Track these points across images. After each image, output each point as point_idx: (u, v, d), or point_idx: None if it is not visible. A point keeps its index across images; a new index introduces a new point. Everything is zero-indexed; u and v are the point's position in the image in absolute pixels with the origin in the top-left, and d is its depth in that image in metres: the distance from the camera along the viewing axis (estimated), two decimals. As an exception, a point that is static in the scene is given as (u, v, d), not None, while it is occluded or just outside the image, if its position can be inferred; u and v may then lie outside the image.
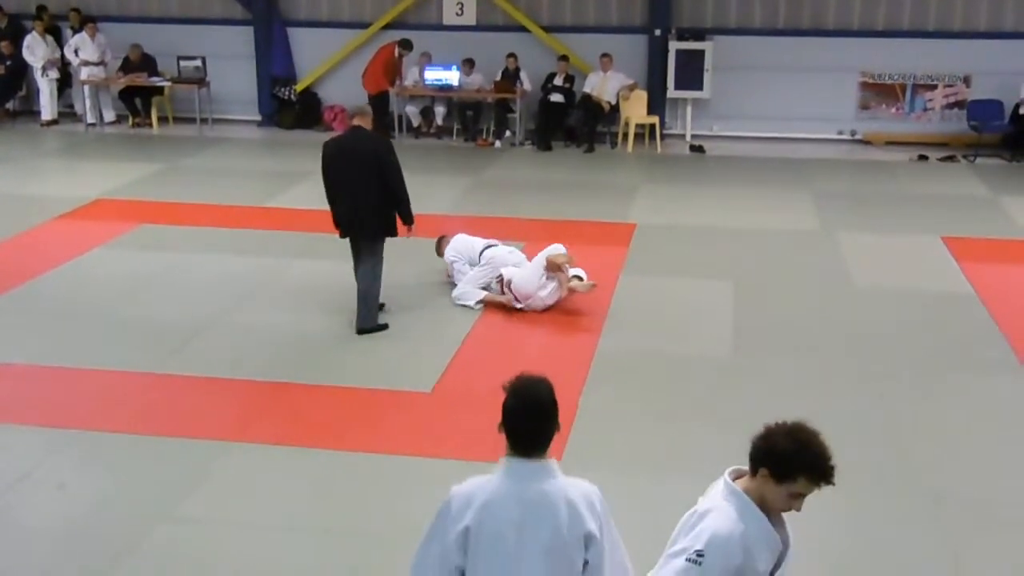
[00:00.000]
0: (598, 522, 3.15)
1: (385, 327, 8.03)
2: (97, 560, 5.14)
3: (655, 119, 14.98)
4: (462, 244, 9.01)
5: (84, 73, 15.90)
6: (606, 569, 3.16)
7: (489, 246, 8.95)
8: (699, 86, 15.00)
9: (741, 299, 8.77)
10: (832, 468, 3.11)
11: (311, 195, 8.14)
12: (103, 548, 5.24)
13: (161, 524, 5.46)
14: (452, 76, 15.30)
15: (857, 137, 15.27)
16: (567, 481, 3.19)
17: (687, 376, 7.28)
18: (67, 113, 16.70)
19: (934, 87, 15.03)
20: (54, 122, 16.27)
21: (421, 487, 5.73)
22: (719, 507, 3.16)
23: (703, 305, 8.71)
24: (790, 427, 3.16)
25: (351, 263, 8.18)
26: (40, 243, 10.33)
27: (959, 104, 14.95)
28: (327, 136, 8.66)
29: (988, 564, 5.22)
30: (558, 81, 15.05)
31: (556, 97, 15.01)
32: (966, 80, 14.89)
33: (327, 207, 8.08)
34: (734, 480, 3.23)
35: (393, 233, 8.04)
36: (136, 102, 16.21)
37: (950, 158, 14.32)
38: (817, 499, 5.72)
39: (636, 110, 14.98)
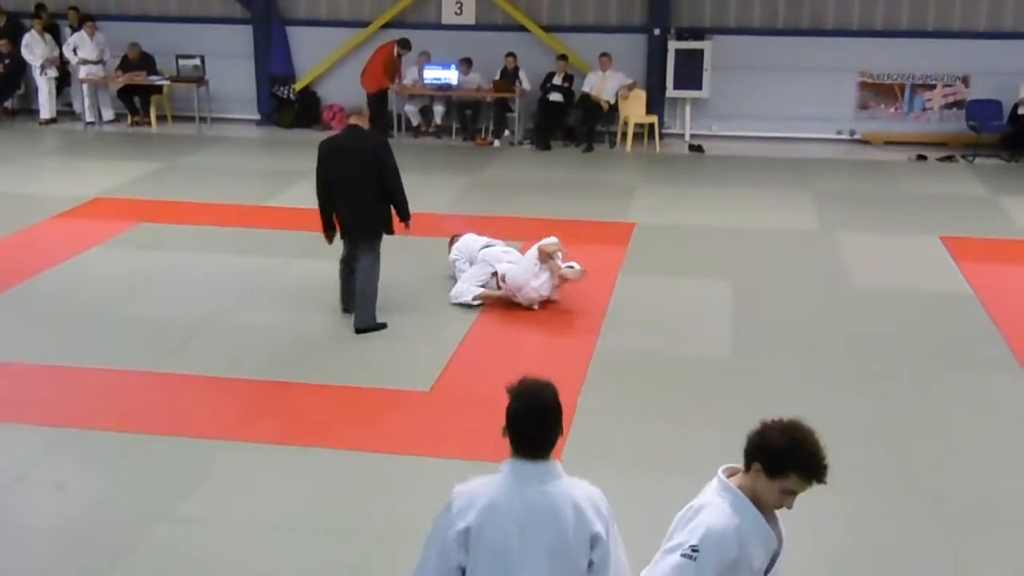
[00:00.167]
0: (604, 524, 3.15)
1: (384, 326, 8.03)
2: (96, 560, 5.13)
3: (654, 119, 14.98)
4: (465, 243, 9.03)
5: (83, 72, 15.89)
6: (611, 569, 3.16)
7: (487, 245, 8.95)
8: (698, 86, 15.00)
9: (740, 299, 8.77)
10: (825, 467, 3.12)
11: (310, 194, 8.14)
12: (102, 548, 5.23)
13: (160, 524, 5.45)
14: (451, 75, 15.30)
15: (856, 137, 15.28)
16: (571, 483, 3.19)
17: (686, 376, 7.28)
18: (66, 112, 16.68)
19: (933, 87, 15.04)
20: (53, 121, 16.25)
21: (420, 486, 5.74)
22: (713, 503, 3.18)
23: (702, 305, 8.71)
24: (786, 424, 3.18)
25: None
26: (39, 242, 10.33)
27: (958, 104, 14.96)
28: (326, 135, 8.65)
29: (988, 564, 5.22)
30: (557, 80, 15.04)
31: (555, 96, 15.01)
32: (965, 80, 14.90)
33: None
34: (728, 477, 3.25)
35: (391, 231, 8.04)
36: (135, 101, 16.20)
37: (949, 158, 14.33)
38: (817, 499, 5.72)
39: (635, 110, 14.98)
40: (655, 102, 15.17)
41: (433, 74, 15.33)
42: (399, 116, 15.66)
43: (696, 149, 14.88)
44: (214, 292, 8.93)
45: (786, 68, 14.95)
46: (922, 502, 5.75)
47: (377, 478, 5.95)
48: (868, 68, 15.05)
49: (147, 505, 5.62)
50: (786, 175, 13.40)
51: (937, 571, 5.15)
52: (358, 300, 8.01)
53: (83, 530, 5.41)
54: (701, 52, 14.87)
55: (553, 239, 8.41)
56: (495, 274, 8.57)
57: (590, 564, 3.14)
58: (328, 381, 7.18)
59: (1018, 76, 14.16)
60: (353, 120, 8.05)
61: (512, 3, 15.45)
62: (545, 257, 8.28)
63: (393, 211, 8.01)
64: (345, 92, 15.17)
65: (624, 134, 15.00)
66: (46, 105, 16.22)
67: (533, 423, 3.14)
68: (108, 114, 16.31)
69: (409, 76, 15.47)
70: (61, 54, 16.15)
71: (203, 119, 15.90)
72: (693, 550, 3.09)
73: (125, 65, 15.95)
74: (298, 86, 16.24)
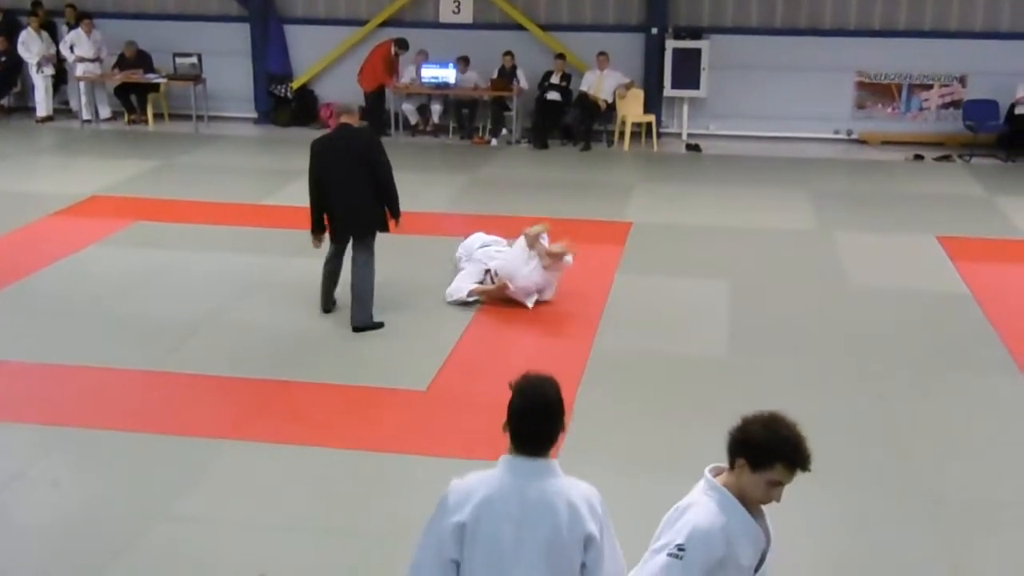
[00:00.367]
0: (598, 524, 3.14)
1: (381, 325, 8.03)
2: (94, 559, 5.13)
3: (651, 118, 14.99)
4: (469, 242, 9.04)
5: (79, 69, 15.87)
6: (604, 571, 3.15)
7: (485, 245, 8.96)
8: (695, 85, 15.01)
9: (737, 298, 8.78)
10: (808, 455, 3.13)
11: (306, 193, 8.13)
12: (100, 547, 5.22)
13: (158, 522, 5.44)
14: (448, 74, 15.29)
15: (853, 137, 15.29)
16: (568, 481, 3.18)
17: (683, 375, 7.28)
18: (62, 110, 16.66)
19: (930, 87, 15.05)
20: (49, 118, 16.22)
21: (417, 485, 5.73)
22: (699, 501, 3.19)
23: (699, 304, 8.71)
24: (766, 417, 3.19)
25: (347, 262, 8.16)
26: (35, 240, 10.31)
27: (955, 104, 14.98)
28: (323, 134, 8.64)
29: (987, 564, 5.23)
30: (555, 79, 15.05)
31: (553, 95, 15.01)
32: (962, 80, 14.91)
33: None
34: (715, 477, 3.25)
35: (385, 228, 8.04)
36: (132, 99, 16.19)
37: (946, 158, 14.34)
38: (815, 499, 5.73)
39: (632, 109, 14.99)
40: (652, 101, 15.18)
41: (431, 73, 15.33)
42: (396, 115, 15.65)
43: (693, 148, 14.88)
44: (211, 291, 8.92)
45: (783, 68, 14.96)
46: (920, 502, 5.75)
47: (374, 477, 5.94)
48: (865, 68, 15.07)
49: (145, 504, 5.61)
50: (783, 175, 13.41)
51: (936, 571, 5.15)
52: (356, 298, 8.00)
53: (80, 529, 5.40)
54: (699, 51, 14.88)
55: (538, 225, 8.49)
56: (488, 271, 8.57)
57: (583, 567, 3.13)
58: (325, 380, 7.17)
59: (1015, 76, 14.18)
60: (344, 119, 8.07)
61: (510, 2, 15.45)
62: (532, 242, 8.33)
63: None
64: (343, 91, 15.15)
65: (622, 133, 15.00)
66: (43, 103, 16.20)
67: (535, 419, 3.14)
68: (105, 112, 16.29)
69: (407, 75, 15.47)
70: (58, 52, 16.14)
71: (200, 117, 15.88)
72: (680, 549, 3.10)
73: (122, 63, 15.94)
74: (295, 84, 16.23)
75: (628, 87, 14.96)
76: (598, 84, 14.82)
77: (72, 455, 6.16)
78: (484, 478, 3.16)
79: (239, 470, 6.01)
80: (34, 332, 8.02)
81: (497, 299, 8.48)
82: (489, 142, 15.25)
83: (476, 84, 15.33)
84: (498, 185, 12.85)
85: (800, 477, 5.78)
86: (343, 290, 8.24)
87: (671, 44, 14.94)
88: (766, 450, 3.11)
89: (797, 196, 12.24)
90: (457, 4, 15.67)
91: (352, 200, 7.83)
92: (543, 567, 3.09)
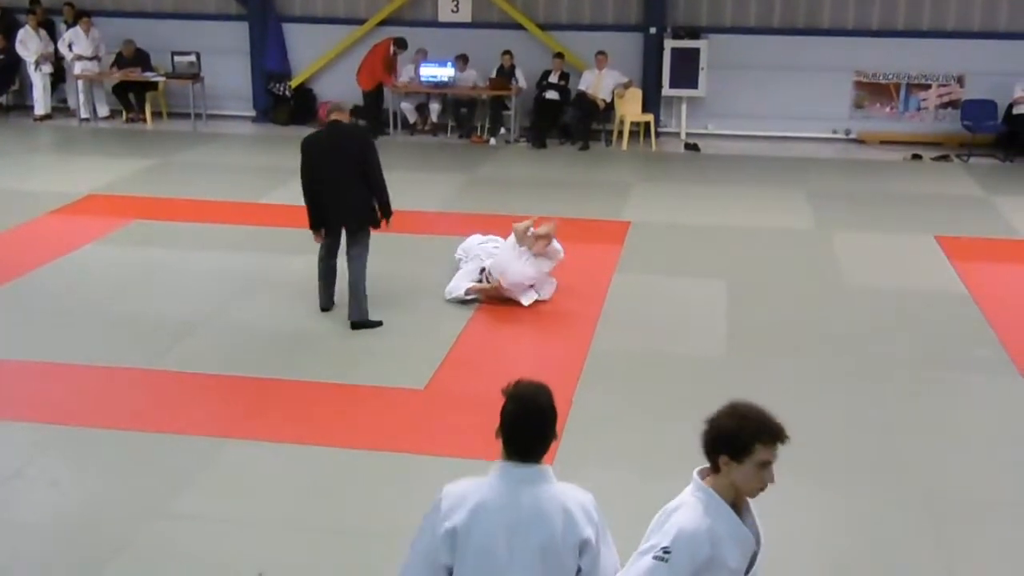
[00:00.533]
0: (594, 529, 3.13)
1: (379, 324, 8.03)
2: (92, 557, 5.13)
3: (650, 117, 14.99)
4: (468, 243, 9.03)
5: (78, 68, 15.85)
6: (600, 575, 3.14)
7: (482, 243, 8.98)
8: (694, 84, 15.00)
9: (735, 298, 8.78)
10: (780, 425, 3.13)
11: (303, 191, 8.13)
12: (98, 545, 5.23)
13: (156, 521, 5.45)
14: (447, 73, 15.28)
15: (851, 136, 15.30)
16: (562, 487, 3.17)
17: (681, 375, 7.28)
18: (60, 108, 16.65)
19: (928, 87, 15.06)
20: (47, 117, 16.21)
21: (414, 484, 5.74)
22: (686, 503, 3.18)
23: (697, 304, 8.71)
24: (726, 409, 3.20)
25: (344, 261, 8.17)
26: (33, 238, 10.30)
27: (953, 104, 14.98)
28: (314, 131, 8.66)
29: (983, 564, 5.23)
30: (553, 79, 15.05)
31: (551, 95, 15.01)
32: (960, 80, 14.92)
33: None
34: (703, 479, 3.24)
35: (376, 223, 8.07)
36: (130, 97, 16.17)
37: (944, 158, 14.35)
38: (812, 498, 5.74)
39: (631, 108, 14.99)
40: (651, 101, 15.18)
41: (429, 72, 15.32)
42: (395, 114, 15.65)
43: (692, 148, 14.88)
44: (209, 289, 8.92)
45: (782, 67, 14.96)
46: (917, 501, 5.76)
47: (372, 476, 5.94)
48: (864, 67, 15.07)
49: (143, 502, 5.62)
50: (781, 174, 13.41)
51: (932, 570, 5.16)
52: (354, 293, 8.02)
53: (78, 527, 5.40)
54: (697, 51, 14.88)
55: (525, 221, 8.56)
56: (484, 270, 8.58)
57: (578, 571, 3.12)
58: (323, 379, 7.18)
59: (1013, 76, 14.18)
60: (335, 116, 8.11)
61: (508, 1, 15.44)
62: (520, 237, 8.37)
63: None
64: (341, 89, 15.14)
65: (620, 132, 15.00)
66: (41, 101, 16.18)
67: (527, 426, 3.13)
68: (103, 110, 16.26)
69: (405, 74, 15.46)
70: (56, 50, 16.12)
71: (198, 116, 15.87)
72: (665, 552, 3.09)
73: (120, 61, 15.92)
74: (294, 83, 16.21)
75: (626, 86, 14.96)
76: (596, 83, 14.83)
77: (70, 454, 6.16)
78: (477, 484, 3.15)
79: (237, 469, 6.01)
80: (31, 331, 8.02)
81: (495, 298, 8.49)
82: (487, 141, 15.25)
83: (475, 83, 15.33)
84: (496, 184, 12.85)
85: (798, 476, 5.80)
86: (342, 292, 8.24)
87: (669, 43, 14.95)
88: (741, 437, 3.11)
89: (795, 196, 12.24)
90: (456, 3, 15.67)
91: (343, 195, 7.86)
92: (537, 573, 3.07)
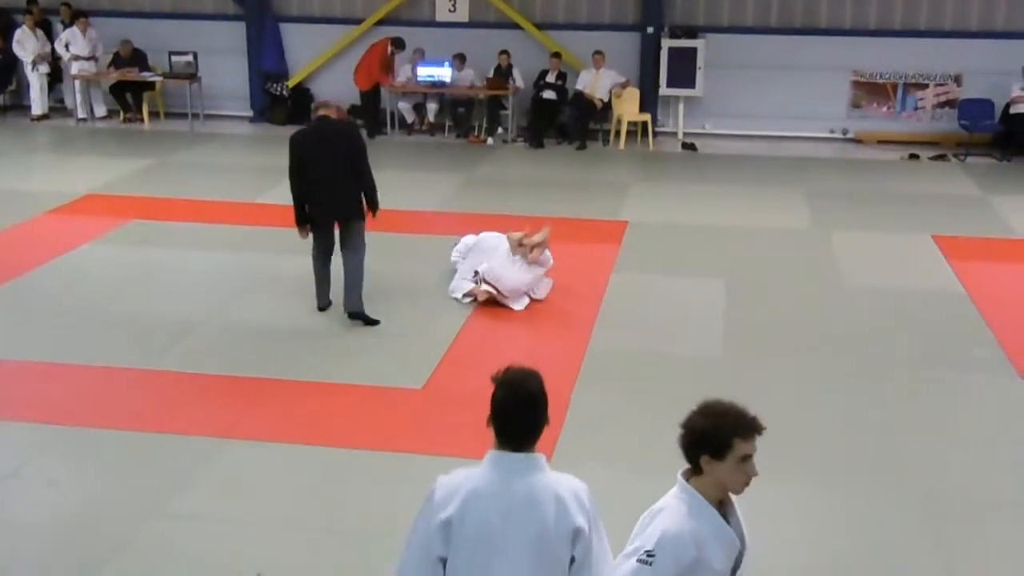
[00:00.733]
0: (586, 518, 3.12)
1: (377, 322, 8.05)
2: (90, 557, 5.13)
3: (647, 117, 14.99)
4: (463, 244, 9.02)
5: (75, 68, 15.83)
6: (593, 565, 3.13)
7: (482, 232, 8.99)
8: (691, 84, 15.00)
9: (733, 297, 8.79)
10: (754, 416, 3.14)
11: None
12: (96, 545, 5.23)
13: (154, 521, 5.45)
14: (444, 73, 15.28)
15: (849, 136, 15.30)
16: (555, 476, 3.16)
17: (679, 375, 7.28)
18: (58, 108, 16.63)
19: (925, 86, 15.06)
20: (45, 117, 16.20)
21: (413, 484, 5.72)
22: (670, 505, 3.18)
23: (695, 304, 8.72)
24: (699, 409, 3.21)
25: (341, 259, 8.18)
26: (30, 238, 10.30)
27: (950, 103, 14.99)
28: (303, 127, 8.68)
29: (982, 564, 5.24)
30: (550, 78, 15.04)
31: (548, 94, 15.00)
32: (957, 79, 14.92)
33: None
34: (687, 480, 3.24)
35: (364, 216, 8.10)
36: (127, 97, 16.14)
37: (941, 157, 14.36)
38: (810, 497, 5.74)
39: (628, 108, 14.99)
40: (648, 100, 15.18)
41: (426, 72, 15.31)
42: (392, 113, 15.64)
43: (689, 147, 14.88)
44: (207, 289, 8.92)
45: (779, 67, 14.96)
46: (915, 501, 5.77)
47: (370, 475, 5.95)
48: (861, 67, 15.08)
49: (141, 502, 5.62)
50: (779, 174, 13.42)
51: (931, 570, 5.17)
52: (353, 284, 8.05)
53: (77, 527, 5.40)
54: (694, 50, 14.88)
55: (518, 232, 8.60)
56: (477, 272, 8.57)
57: (572, 560, 3.12)
58: (321, 378, 7.18)
59: (1010, 76, 14.18)
60: (323, 112, 8.17)
61: (506, 1, 15.44)
62: (514, 248, 8.40)
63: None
64: (338, 89, 15.11)
65: (617, 132, 15.01)
66: (38, 101, 16.16)
67: (519, 413, 3.12)
68: (100, 110, 16.24)
69: (403, 73, 15.45)
70: (53, 50, 16.10)
71: (196, 116, 15.86)
72: (648, 555, 3.08)
73: (117, 61, 15.91)
74: (291, 83, 16.20)
75: (624, 86, 14.96)
76: (594, 83, 14.83)
77: (68, 453, 6.16)
78: (470, 474, 3.15)
79: (235, 468, 6.01)
80: (29, 331, 8.01)
81: (489, 299, 8.49)
82: (485, 141, 15.25)
83: (472, 83, 15.32)
84: (494, 184, 12.85)
85: (797, 476, 5.81)
86: (340, 291, 8.24)
87: (667, 43, 14.94)
88: (718, 435, 3.11)
89: (793, 195, 12.25)
90: (453, 3, 15.66)
91: (334, 190, 7.90)
92: (530, 562, 3.07)
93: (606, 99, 14.92)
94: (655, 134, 15.10)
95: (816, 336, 8.03)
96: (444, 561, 3.11)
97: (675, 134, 15.43)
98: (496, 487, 3.09)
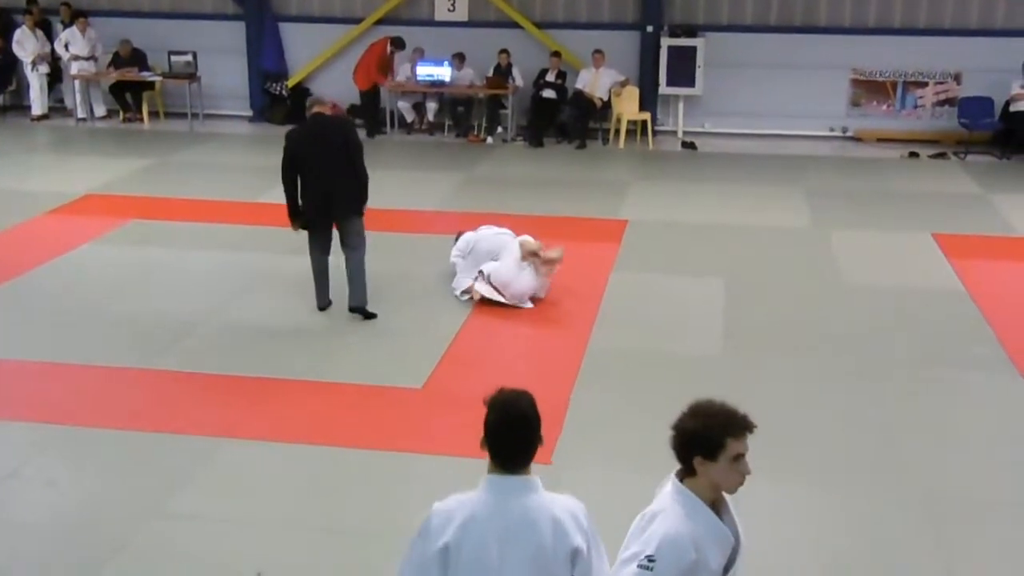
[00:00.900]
0: (584, 537, 3.12)
1: (374, 316, 8.10)
2: (90, 557, 5.13)
3: (647, 115, 14.99)
4: (463, 242, 8.99)
5: (74, 68, 15.84)
6: None
7: (481, 228, 8.96)
8: (691, 83, 15.00)
9: (732, 296, 8.78)
10: (743, 415, 3.15)
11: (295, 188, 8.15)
12: (96, 545, 5.23)
13: (154, 520, 5.45)
14: (444, 72, 15.27)
15: (848, 134, 15.30)
16: (551, 496, 3.16)
17: (679, 373, 7.27)
18: (57, 108, 16.63)
19: (925, 84, 15.06)
20: (44, 117, 16.20)
21: (412, 483, 5.75)
22: (668, 508, 3.17)
23: (695, 302, 8.71)
24: (688, 412, 3.21)
25: (342, 259, 8.19)
26: (30, 238, 10.30)
27: (950, 101, 14.99)
28: (298, 125, 8.69)
29: (981, 563, 5.24)
30: (550, 77, 15.04)
31: (548, 93, 15.00)
32: (957, 77, 14.92)
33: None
34: (680, 481, 3.23)
35: (362, 211, 8.14)
36: (127, 97, 16.15)
37: (941, 155, 14.36)
38: (809, 496, 5.74)
39: (628, 106, 14.99)
40: (648, 99, 15.18)
41: (426, 71, 15.31)
42: (392, 113, 15.64)
43: (689, 146, 14.88)
44: (207, 289, 8.92)
45: (779, 65, 14.96)
46: (915, 500, 5.76)
47: (369, 475, 5.95)
48: (860, 65, 15.07)
49: (140, 502, 5.62)
50: (779, 172, 13.41)
51: (930, 569, 5.16)
52: (357, 279, 8.09)
53: (76, 527, 5.40)
54: (694, 49, 14.88)
55: (536, 242, 8.51)
56: (481, 271, 8.56)
57: None
58: (320, 378, 7.17)
59: (1010, 73, 14.18)
60: (317, 109, 8.20)
61: (505, 0, 15.43)
62: (527, 254, 8.34)
63: None
64: (338, 89, 15.12)
65: (617, 131, 15.00)
66: (38, 101, 16.17)
67: (511, 434, 3.12)
68: (100, 110, 16.24)
69: (402, 73, 15.45)
70: (53, 50, 16.10)
71: (195, 115, 15.86)
72: (650, 560, 3.07)
73: (117, 61, 15.91)
74: (291, 83, 16.20)
75: (623, 85, 14.96)
76: (593, 82, 14.82)
77: (67, 453, 6.16)
78: (465, 499, 3.14)
79: (235, 468, 6.01)
80: (29, 330, 8.01)
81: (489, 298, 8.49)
82: (485, 140, 15.25)
83: (471, 82, 15.32)
84: (494, 183, 12.84)
85: (796, 476, 5.81)
86: (340, 291, 8.25)
87: (666, 42, 14.94)
88: (710, 435, 3.11)
89: (792, 194, 12.25)
90: (452, 2, 15.66)
91: (331, 186, 7.92)
92: None
93: (606, 98, 14.92)
94: (655, 133, 15.10)
95: (815, 335, 8.02)
96: None
97: (675, 133, 15.43)
98: (492, 511, 3.09)
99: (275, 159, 8.24)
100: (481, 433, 3.16)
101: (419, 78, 15.34)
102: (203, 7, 16.35)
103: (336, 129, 8.12)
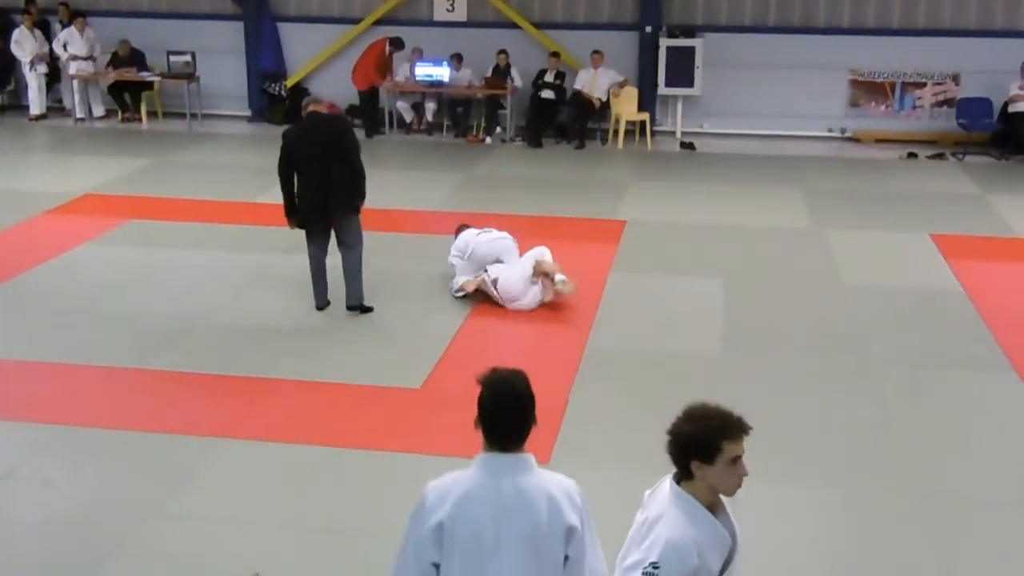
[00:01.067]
0: (579, 516, 3.12)
1: (371, 309, 8.18)
2: (88, 557, 5.12)
3: (645, 116, 14.99)
4: (461, 242, 8.95)
5: (73, 68, 15.82)
6: (587, 562, 3.13)
7: (480, 232, 8.94)
8: (689, 83, 15.01)
9: (731, 296, 8.78)
10: (739, 417, 3.14)
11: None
12: (92, 544, 5.22)
13: (150, 520, 5.44)
14: (442, 72, 15.27)
15: (847, 135, 15.30)
16: (545, 475, 3.16)
17: (677, 373, 7.28)
18: (56, 108, 16.62)
19: (923, 85, 15.07)
20: (43, 117, 16.18)
21: (412, 484, 5.71)
22: (668, 513, 3.15)
23: (694, 302, 8.71)
24: (683, 416, 3.21)
25: (339, 258, 8.20)
26: (28, 238, 10.29)
27: (948, 102, 14.99)
28: (295, 124, 8.70)
29: (979, 563, 5.24)
30: (549, 78, 15.04)
31: (547, 94, 14.99)
32: (955, 78, 14.93)
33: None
34: (678, 484, 3.22)
35: (359, 209, 8.16)
36: (125, 97, 16.14)
37: (939, 156, 14.36)
38: (808, 496, 5.74)
39: (627, 107, 14.99)
40: (647, 99, 15.18)
41: (425, 71, 15.30)
42: (390, 113, 15.64)
43: (687, 147, 14.88)
44: (205, 289, 8.92)
45: (777, 66, 14.96)
46: (913, 499, 5.76)
47: (369, 475, 5.94)
48: (859, 66, 15.08)
49: (137, 502, 5.61)
50: (777, 173, 13.42)
51: (928, 569, 5.16)
52: (354, 277, 8.14)
53: (72, 527, 5.40)
54: (692, 50, 14.88)
55: (548, 255, 8.46)
56: (486, 271, 8.54)
57: (566, 558, 3.11)
58: (318, 378, 7.17)
59: (1008, 74, 14.18)
60: (313, 107, 8.22)
61: (504, 0, 15.43)
62: (540, 273, 8.33)
63: None
64: (337, 89, 15.13)
65: (616, 131, 15.00)
66: (36, 101, 16.15)
67: (505, 413, 3.12)
68: (98, 110, 16.23)
69: (401, 73, 15.44)
70: (51, 50, 16.09)
71: (194, 115, 15.85)
72: (654, 567, 3.06)
73: (115, 61, 15.90)
74: (289, 83, 16.19)
75: (622, 85, 14.95)
76: (592, 82, 14.82)
77: (64, 453, 6.15)
78: (459, 477, 3.14)
79: (233, 468, 6.01)
80: (27, 330, 8.01)
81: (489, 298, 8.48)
82: (483, 140, 15.24)
83: (470, 82, 15.32)
84: (492, 183, 12.84)
85: (796, 476, 5.81)
86: (338, 291, 8.25)
87: (665, 42, 14.94)
88: (707, 439, 3.11)
89: (791, 194, 12.25)
90: (451, 2, 15.66)
91: (329, 184, 7.93)
92: (524, 562, 3.06)
93: (604, 98, 14.92)
94: (653, 133, 15.10)
95: (814, 335, 8.03)
96: (438, 567, 3.11)
97: (673, 133, 15.43)
98: (487, 489, 3.09)
99: (273, 159, 8.24)
100: (475, 414, 3.15)
101: (418, 78, 15.33)
102: (202, 7, 16.33)
103: (332, 127, 8.15)
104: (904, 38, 14.78)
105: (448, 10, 15.70)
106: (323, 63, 16.17)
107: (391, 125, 15.61)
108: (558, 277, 8.33)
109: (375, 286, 8.36)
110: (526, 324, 8.25)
